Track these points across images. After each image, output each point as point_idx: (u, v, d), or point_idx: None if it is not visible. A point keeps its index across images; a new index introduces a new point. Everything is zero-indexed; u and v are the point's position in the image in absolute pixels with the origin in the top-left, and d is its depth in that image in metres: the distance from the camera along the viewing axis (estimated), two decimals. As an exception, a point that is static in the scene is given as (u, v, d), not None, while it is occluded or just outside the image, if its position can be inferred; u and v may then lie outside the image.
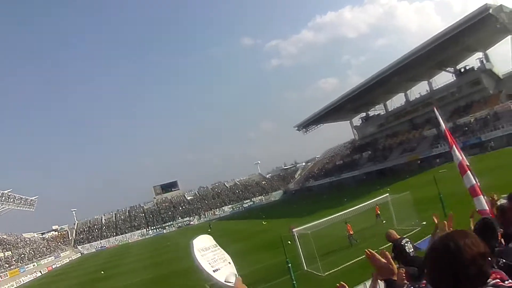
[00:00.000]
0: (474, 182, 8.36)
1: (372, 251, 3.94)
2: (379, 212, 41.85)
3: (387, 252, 4.04)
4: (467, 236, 2.65)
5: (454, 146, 8.79)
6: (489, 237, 4.57)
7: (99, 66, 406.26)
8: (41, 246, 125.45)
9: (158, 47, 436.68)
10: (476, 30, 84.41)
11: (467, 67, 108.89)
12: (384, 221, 39.85)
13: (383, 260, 4.12)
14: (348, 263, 29.04)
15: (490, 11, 79.71)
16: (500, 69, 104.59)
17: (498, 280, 2.65)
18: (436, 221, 7.63)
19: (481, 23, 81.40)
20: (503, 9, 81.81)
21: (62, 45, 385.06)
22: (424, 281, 6.68)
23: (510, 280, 2.78)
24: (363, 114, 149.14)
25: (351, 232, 36.36)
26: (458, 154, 8.64)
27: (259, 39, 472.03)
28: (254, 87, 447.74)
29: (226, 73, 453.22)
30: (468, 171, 8.40)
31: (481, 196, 8.08)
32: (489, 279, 2.61)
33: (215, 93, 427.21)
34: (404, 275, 4.16)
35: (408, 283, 5.53)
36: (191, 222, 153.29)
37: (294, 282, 26.81)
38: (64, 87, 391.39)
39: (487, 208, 7.94)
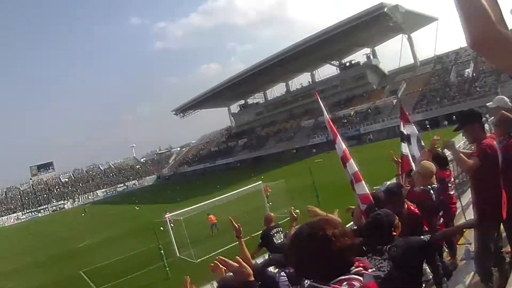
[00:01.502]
0: (356, 169, 8.30)
1: (222, 258, 4.12)
2: (268, 193, 41.28)
3: (238, 258, 4.04)
4: (336, 226, 2.64)
5: (338, 135, 8.65)
6: (380, 233, 4.84)
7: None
8: None
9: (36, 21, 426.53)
10: (369, 27, 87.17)
11: (353, 62, 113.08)
12: (270, 203, 39.76)
13: (236, 264, 4.12)
14: (221, 250, 28.83)
15: (385, 9, 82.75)
16: (388, 66, 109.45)
17: (361, 269, 2.65)
18: (294, 215, 8.44)
19: (374, 20, 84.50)
20: (398, 9, 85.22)
21: None
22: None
23: (373, 269, 3.04)
24: (242, 102, 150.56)
25: (214, 222, 36.72)
26: (342, 143, 8.51)
27: (147, 19, 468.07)
28: (136, 69, 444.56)
29: (108, 52, 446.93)
30: (351, 159, 8.38)
31: (363, 182, 7.99)
32: (352, 267, 2.63)
33: (95, 71, 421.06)
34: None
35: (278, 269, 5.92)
36: (65, 206, 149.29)
37: (167, 269, 26.86)
38: None
39: (368, 192, 7.90)
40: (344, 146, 8.38)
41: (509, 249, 6.61)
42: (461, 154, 6.12)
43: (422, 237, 4.88)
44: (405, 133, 11.19)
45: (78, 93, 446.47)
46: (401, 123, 11.71)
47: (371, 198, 7.53)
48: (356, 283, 2.46)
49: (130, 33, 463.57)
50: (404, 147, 10.97)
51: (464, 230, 6.23)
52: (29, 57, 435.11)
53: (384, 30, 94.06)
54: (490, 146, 5.84)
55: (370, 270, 2.77)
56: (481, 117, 6.20)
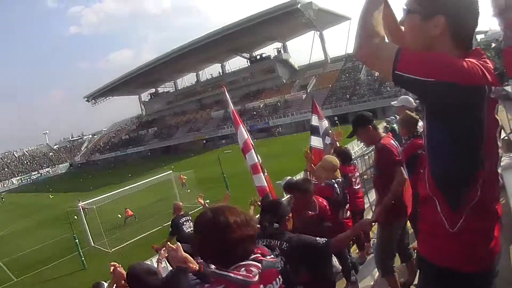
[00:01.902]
0: (256, 160, 8.87)
1: (156, 246, 4.79)
2: (184, 181, 43.60)
3: (168, 246, 3.92)
4: (239, 215, 2.70)
5: (240, 125, 9.17)
6: (271, 219, 4.76)
7: None
8: None
9: None
10: (280, 22, 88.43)
11: (264, 55, 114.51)
12: (188, 190, 40.83)
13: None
14: (134, 239, 30.32)
15: (299, 6, 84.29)
16: (298, 61, 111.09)
17: (259, 255, 2.75)
18: (202, 202, 9.05)
19: (287, 16, 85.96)
20: (312, 6, 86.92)
21: None
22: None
23: (272, 256, 3.00)
24: (153, 90, 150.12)
25: (130, 214, 37.53)
26: (244, 133, 9.03)
27: (63, 2, 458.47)
28: (49, 53, 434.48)
29: (21, 32, 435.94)
30: (252, 150, 8.87)
31: (261, 174, 8.64)
32: (251, 255, 2.71)
33: (5, 49, 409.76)
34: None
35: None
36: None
37: (83, 258, 27.01)
38: None
39: (266, 185, 8.61)
40: (246, 137, 9.08)
41: (416, 245, 6.05)
42: (388, 195, 5.78)
43: (317, 239, 4.61)
44: (315, 126, 11.84)
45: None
46: (312, 116, 12.29)
47: (267, 190, 8.51)
48: (254, 269, 2.60)
49: (46, 15, 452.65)
50: (313, 140, 11.45)
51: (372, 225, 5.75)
52: None
53: (296, 26, 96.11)
54: (387, 144, 5.92)
55: (269, 257, 2.87)
56: (372, 119, 6.20)
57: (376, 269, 7.04)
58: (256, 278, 2.59)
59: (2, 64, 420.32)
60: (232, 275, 2.53)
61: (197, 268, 3.68)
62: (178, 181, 43.20)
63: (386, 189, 5.81)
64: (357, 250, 9.13)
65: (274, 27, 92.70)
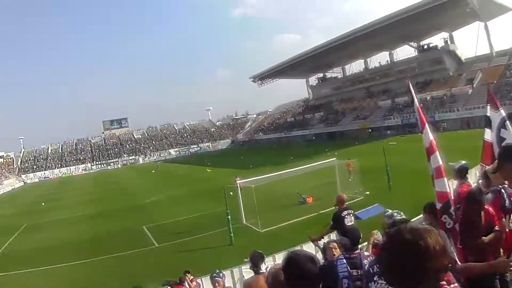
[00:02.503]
0: (440, 163, 7.58)
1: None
2: (351, 168, 41.79)
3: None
4: (438, 241, 2.36)
5: (426, 124, 7.94)
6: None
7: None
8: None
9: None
10: (446, 10, 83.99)
11: (431, 45, 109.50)
12: (350, 179, 39.53)
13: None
14: (287, 223, 28.96)
15: None
16: (464, 53, 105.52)
17: (444, 283, 2.56)
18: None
19: (452, 4, 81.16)
20: None
21: None
22: (357, 251, 6.95)
23: (456, 284, 2.77)
24: (320, 75, 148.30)
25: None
26: (430, 133, 7.83)
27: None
28: (215, 35, 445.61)
29: (187, 18, 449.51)
30: (437, 152, 7.64)
31: (445, 178, 7.36)
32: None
33: (174, 35, 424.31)
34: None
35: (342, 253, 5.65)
36: (139, 160, 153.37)
37: (232, 235, 26.53)
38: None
39: (448, 191, 7.29)
40: (431, 137, 7.70)
41: None
42: None
43: None
44: (488, 117, 10.40)
45: (159, 52, 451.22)
46: (488, 108, 10.68)
47: (449, 197, 7.02)
48: None
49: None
50: (487, 134, 10.26)
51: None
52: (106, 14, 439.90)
53: (461, 15, 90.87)
54: None
55: (452, 286, 2.66)
56: None
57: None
58: None
59: (178, 45, 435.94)
60: None
61: None
62: (343, 167, 40.87)
63: None
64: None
65: (440, 15, 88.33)
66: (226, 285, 11.15)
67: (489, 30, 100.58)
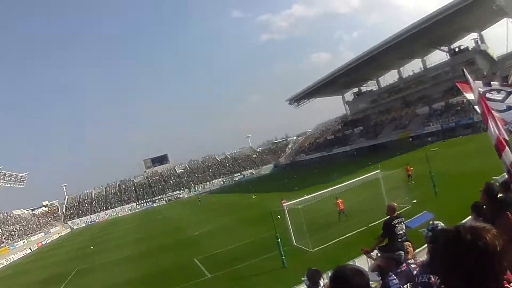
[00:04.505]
0: None
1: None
2: (410, 172, 42.40)
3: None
4: (500, 240, 2.23)
5: (489, 119, 7.70)
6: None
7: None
8: (31, 223, 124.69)
9: (148, 21, 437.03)
10: (472, 10, 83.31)
11: (462, 47, 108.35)
12: (412, 182, 40.33)
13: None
14: (337, 240, 28.79)
15: None
16: (495, 51, 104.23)
17: (505, 282, 2.32)
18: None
19: (477, 3, 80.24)
20: None
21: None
22: (405, 265, 6.76)
23: None
24: (356, 90, 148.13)
25: (341, 208, 35.75)
26: (495, 129, 7.52)
27: (249, 13, 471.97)
28: (244, 61, 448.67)
29: (215, 47, 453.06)
30: (507, 147, 7.26)
31: None
32: None
33: (204, 67, 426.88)
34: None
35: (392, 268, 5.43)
36: (181, 196, 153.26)
37: (283, 257, 26.45)
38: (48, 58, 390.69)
39: None
40: (497, 133, 7.39)
41: None
42: None
43: None
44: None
45: (190, 88, 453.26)
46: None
47: None
48: None
49: (234, 27, 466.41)
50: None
51: None
52: (146, 60, 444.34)
53: (488, 14, 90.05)
54: None
55: None
56: None
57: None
58: None
59: (205, 78, 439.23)
60: None
61: None
62: (394, 175, 41.53)
63: None
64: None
65: (467, 16, 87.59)
66: None
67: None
